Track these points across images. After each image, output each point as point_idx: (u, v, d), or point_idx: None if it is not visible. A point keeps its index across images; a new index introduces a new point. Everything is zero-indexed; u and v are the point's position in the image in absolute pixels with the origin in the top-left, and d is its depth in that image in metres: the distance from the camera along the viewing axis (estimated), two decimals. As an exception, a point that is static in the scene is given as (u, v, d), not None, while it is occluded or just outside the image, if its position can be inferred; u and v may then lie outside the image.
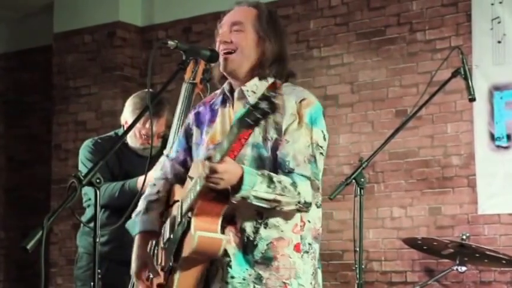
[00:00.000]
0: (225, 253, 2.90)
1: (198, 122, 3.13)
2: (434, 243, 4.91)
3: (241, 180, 2.76)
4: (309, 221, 2.98)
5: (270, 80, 2.99)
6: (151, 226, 3.13)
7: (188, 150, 3.16)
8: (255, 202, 2.82)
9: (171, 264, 2.99)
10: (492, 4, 5.89)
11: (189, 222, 2.87)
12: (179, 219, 2.96)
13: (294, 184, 2.85)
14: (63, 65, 7.70)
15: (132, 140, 4.48)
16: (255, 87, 2.98)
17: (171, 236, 3.02)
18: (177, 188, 3.14)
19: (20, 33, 8.35)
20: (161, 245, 3.11)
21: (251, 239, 2.90)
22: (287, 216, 2.93)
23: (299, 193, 2.85)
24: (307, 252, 2.97)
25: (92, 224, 2.58)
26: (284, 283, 2.91)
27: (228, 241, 2.89)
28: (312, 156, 2.91)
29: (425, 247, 5.08)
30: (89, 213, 4.51)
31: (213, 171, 2.72)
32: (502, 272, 5.72)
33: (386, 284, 6.17)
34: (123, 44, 7.49)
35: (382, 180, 6.25)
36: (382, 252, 6.20)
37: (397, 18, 6.33)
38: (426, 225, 6.05)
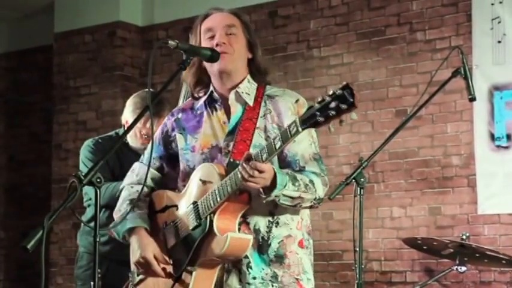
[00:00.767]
0: None
1: (180, 128, 3.14)
2: (434, 243, 4.90)
3: (274, 179, 2.81)
4: (302, 218, 3.06)
5: (255, 83, 3.07)
6: (144, 223, 3.10)
7: (165, 157, 3.17)
8: (282, 201, 2.87)
9: (183, 267, 2.97)
10: (492, 4, 5.89)
11: (211, 224, 2.89)
12: (195, 223, 2.95)
13: (311, 181, 2.92)
14: (63, 65, 7.70)
15: (133, 139, 4.47)
16: (247, 89, 3.05)
17: (178, 241, 3.02)
18: (159, 193, 3.14)
19: (21, 33, 8.35)
20: (164, 252, 3.08)
21: (265, 238, 2.96)
22: (294, 213, 3.00)
23: (316, 190, 2.93)
24: (307, 247, 3.06)
25: (92, 224, 2.58)
26: (296, 279, 2.99)
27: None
28: (316, 154, 3.01)
29: (425, 247, 5.07)
30: (89, 212, 4.51)
31: (261, 171, 2.75)
32: (502, 272, 5.72)
33: (386, 284, 6.17)
34: (124, 44, 7.49)
35: (382, 180, 6.25)
36: (382, 252, 6.20)
37: (397, 18, 6.33)
38: (426, 225, 6.06)
